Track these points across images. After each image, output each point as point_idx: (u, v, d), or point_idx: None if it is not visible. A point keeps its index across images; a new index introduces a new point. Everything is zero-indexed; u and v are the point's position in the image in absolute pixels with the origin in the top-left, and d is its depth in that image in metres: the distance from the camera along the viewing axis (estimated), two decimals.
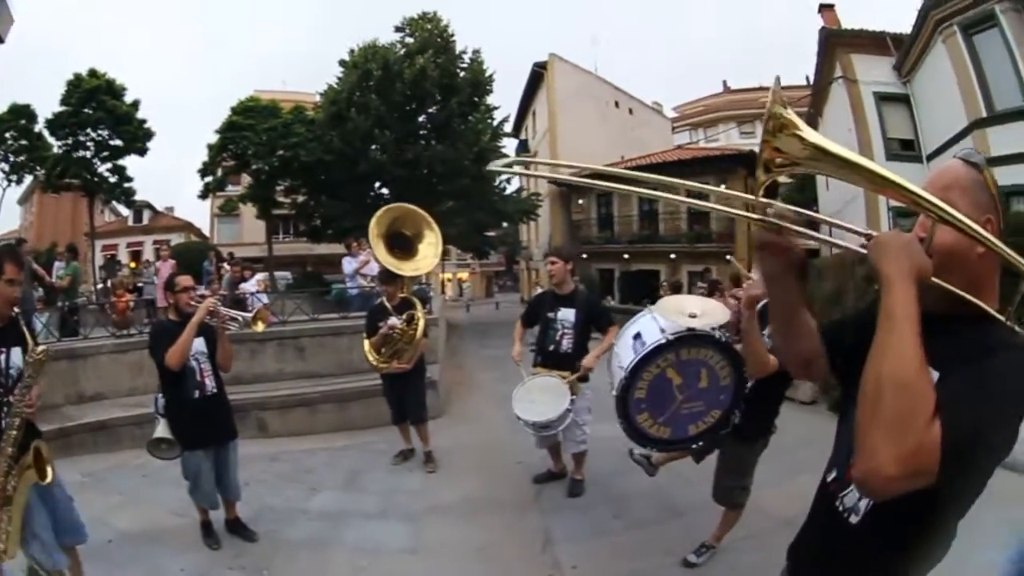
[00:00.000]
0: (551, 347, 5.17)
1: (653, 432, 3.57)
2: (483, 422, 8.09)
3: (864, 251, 1.27)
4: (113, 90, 20.93)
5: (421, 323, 5.86)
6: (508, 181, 25.72)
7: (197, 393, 4.29)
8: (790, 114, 1.24)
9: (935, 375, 1.17)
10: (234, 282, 11.06)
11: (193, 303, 4.24)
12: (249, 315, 4.53)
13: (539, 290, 20.16)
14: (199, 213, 41.02)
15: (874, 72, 16.40)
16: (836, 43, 17.20)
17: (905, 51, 15.61)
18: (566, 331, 5.13)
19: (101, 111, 20.45)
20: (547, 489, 5.43)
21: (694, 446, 3.75)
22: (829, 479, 1.54)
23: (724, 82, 47.71)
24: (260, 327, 4.65)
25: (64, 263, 11.03)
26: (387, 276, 6.10)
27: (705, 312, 3.63)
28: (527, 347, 5.51)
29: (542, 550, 4.35)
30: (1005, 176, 8.35)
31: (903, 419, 1.07)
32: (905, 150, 15.72)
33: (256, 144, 21.37)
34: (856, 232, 1.37)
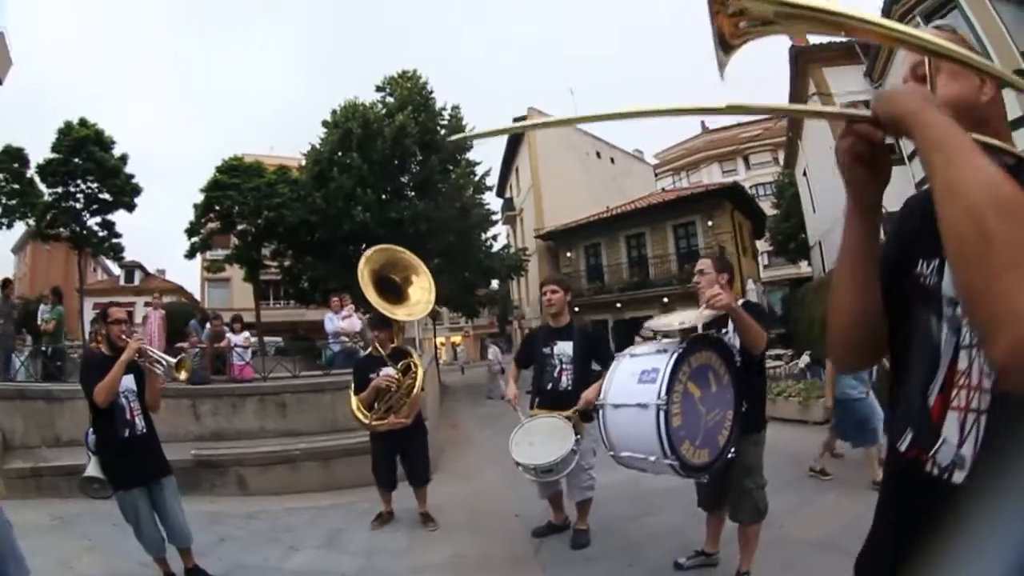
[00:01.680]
0: (549, 385, 4.75)
1: (696, 460, 3.22)
2: (478, 478, 7.64)
3: (868, 113, 1.02)
4: (102, 142, 21.25)
5: (420, 373, 5.36)
6: (494, 238, 25.77)
7: (127, 432, 4.09)
8: None
9: None
10: (215, 336, 10.62)
11: (124, 337, 4.06)
12: (173, 360, 4.19)
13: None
14: (191, 278, 41.29)
15: (846, 83, 16.80)
16: (807, 59, 17.82)
17: (874, 56, 15.99)
18: (564, 366, 4.73)
19: (90, 162, 20.71)
20: (548, 543, 4.90)
21: (729, 455, 3.42)
22: (903, 447, 1.15)
23: (702, 123, 48.52)
24: (183, 375, 4.29)
25: (49, 306, 10.78)
26: (379, 321, 5.59)
27: (685, 320, 3.59)
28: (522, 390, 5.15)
29: None
30: None
31: None
32: None
33: (240, 203, 21.24)
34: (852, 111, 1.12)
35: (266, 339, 21.22)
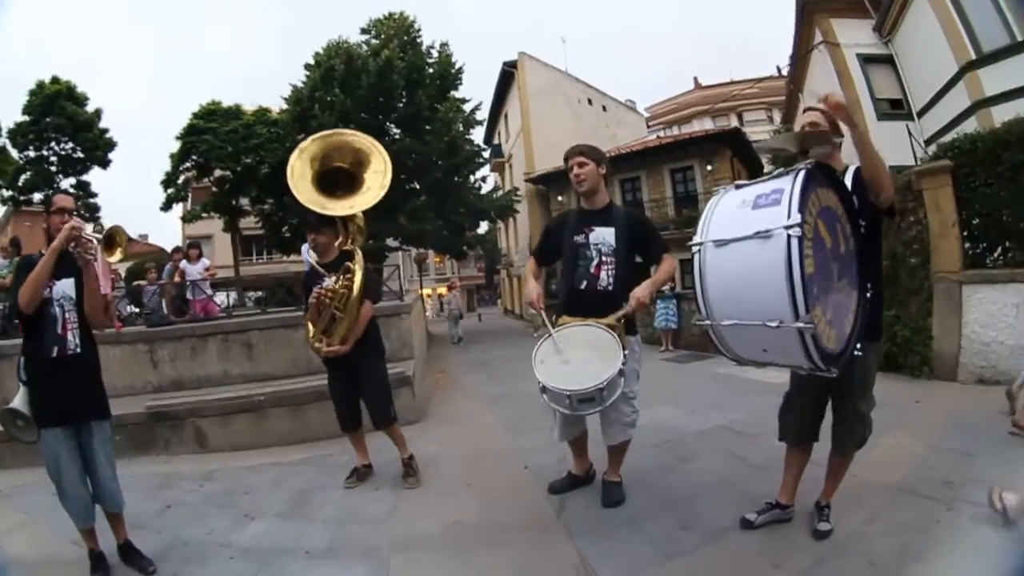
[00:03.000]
0: (583, 283, 3.61)
1: (826, 343, 2.27)
2: (473, 425, 6.63)
3: None
4: (75, 97, 20.64)
5: (359, 275, 4.18)
6: (484, 180, 25.22)
7: (56, 350, 3.14)
8: None
9: None
10: (175, 270, 9.55)
11: None
12: (99, 235, 3.25)
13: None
14: (174, 242, 41.05)
15: (855, 35, 16.30)
16: (814, 10, 17.17)
17: (884, 11, 15.52)
18: (605, 259, 3.59)
19: (62, 117, 19.99)
20: (572, 501, 3.83)
21: (856, 352, 2.53)
22: None
23: (695, 79, 47.69)
24: (117, 255, 3.42)
25: (8, 261, 9.24)
26: (316, 222, 4.43)
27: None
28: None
29: None
30: (1003, 113, 8.67)
31: None
32: (894, 109, 15.63)
33: (218, 148, 20.24)
34: None
35: (247, 293, 20.31)
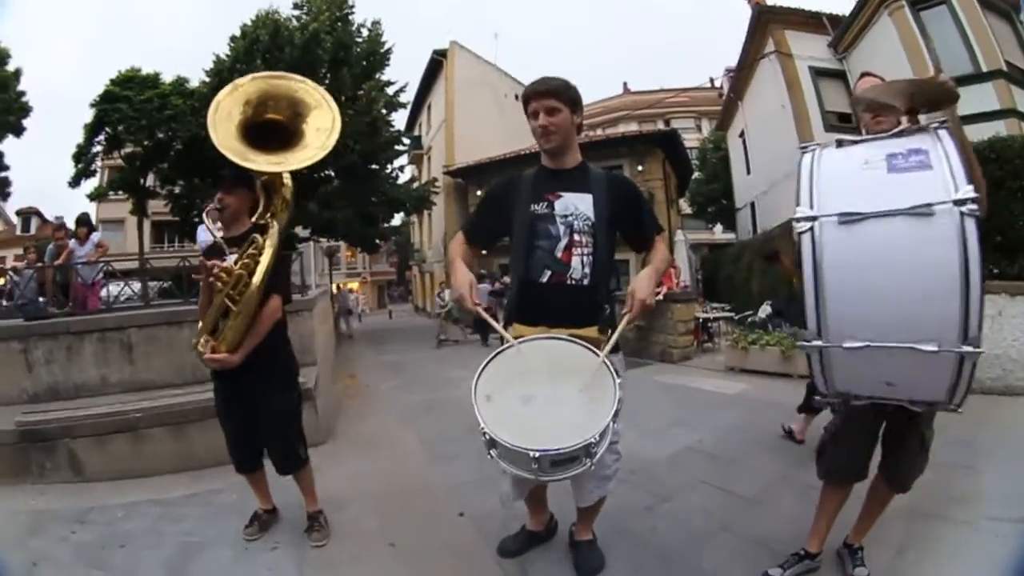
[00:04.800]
0: (545, 275, 2.51)
1: None
2: (390, 448, 5.60)
3: None
4: None
5: (266, 255, 2.98)
6: (401, 169, 24.48)
7: None
8: None
9: None
10: (59, 252, 8.25)
11: None
12: None
13: (442, 296, 17.16)
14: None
15: (809, 48, 16.69)
16: (770, 20, 17.51)
17: (844, 28, 15.84)
18: (578, 238, 2.49)
19: None
20: (536, 567, 2.90)
21: None
22: None
23: (624, 84, 48.22)
24: None
25: None
26: (230, 177, 3.28)
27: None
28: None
29: None
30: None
31: None
32: (842, 122, 15.72)
33: (131, 118, 18.50)
34: None
35: (152, 283, 18.54)
